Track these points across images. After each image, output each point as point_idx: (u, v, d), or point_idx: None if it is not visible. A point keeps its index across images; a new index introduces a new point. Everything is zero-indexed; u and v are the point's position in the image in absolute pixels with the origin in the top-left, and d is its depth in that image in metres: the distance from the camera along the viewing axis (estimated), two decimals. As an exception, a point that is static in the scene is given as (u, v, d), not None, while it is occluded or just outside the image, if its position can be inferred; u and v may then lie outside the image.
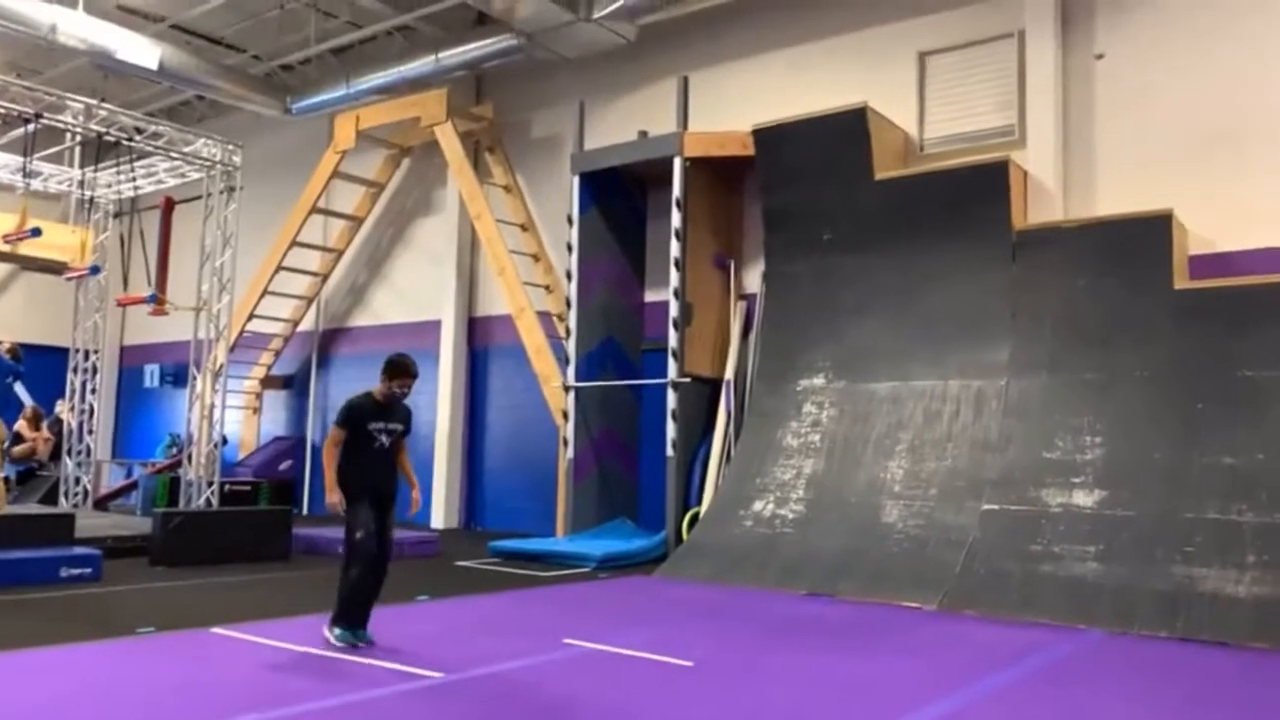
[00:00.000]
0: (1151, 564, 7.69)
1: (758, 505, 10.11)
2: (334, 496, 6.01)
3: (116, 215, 14.49)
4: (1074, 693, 5.41)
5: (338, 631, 5.99)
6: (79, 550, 8.77)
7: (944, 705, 4.99)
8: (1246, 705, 5.30)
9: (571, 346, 12.31)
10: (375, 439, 6.11)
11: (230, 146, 12.40)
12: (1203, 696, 5.48)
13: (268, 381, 17.54)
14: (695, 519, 10.80)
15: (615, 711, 4.80)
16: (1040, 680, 5.71)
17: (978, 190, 9.99)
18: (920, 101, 11.43)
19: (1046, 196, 10.21)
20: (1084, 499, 8.44)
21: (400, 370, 6.18)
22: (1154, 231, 9.14)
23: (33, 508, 12.04)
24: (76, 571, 8.39)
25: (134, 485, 15.28)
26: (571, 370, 12.27)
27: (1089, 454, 8.67)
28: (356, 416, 6.10)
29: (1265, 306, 8.45)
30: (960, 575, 8.33)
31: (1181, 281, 9.07)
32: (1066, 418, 8.96)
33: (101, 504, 14.62)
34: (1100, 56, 10.35)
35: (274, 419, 17.75)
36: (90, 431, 14.08)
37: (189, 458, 12.21)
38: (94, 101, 11.49)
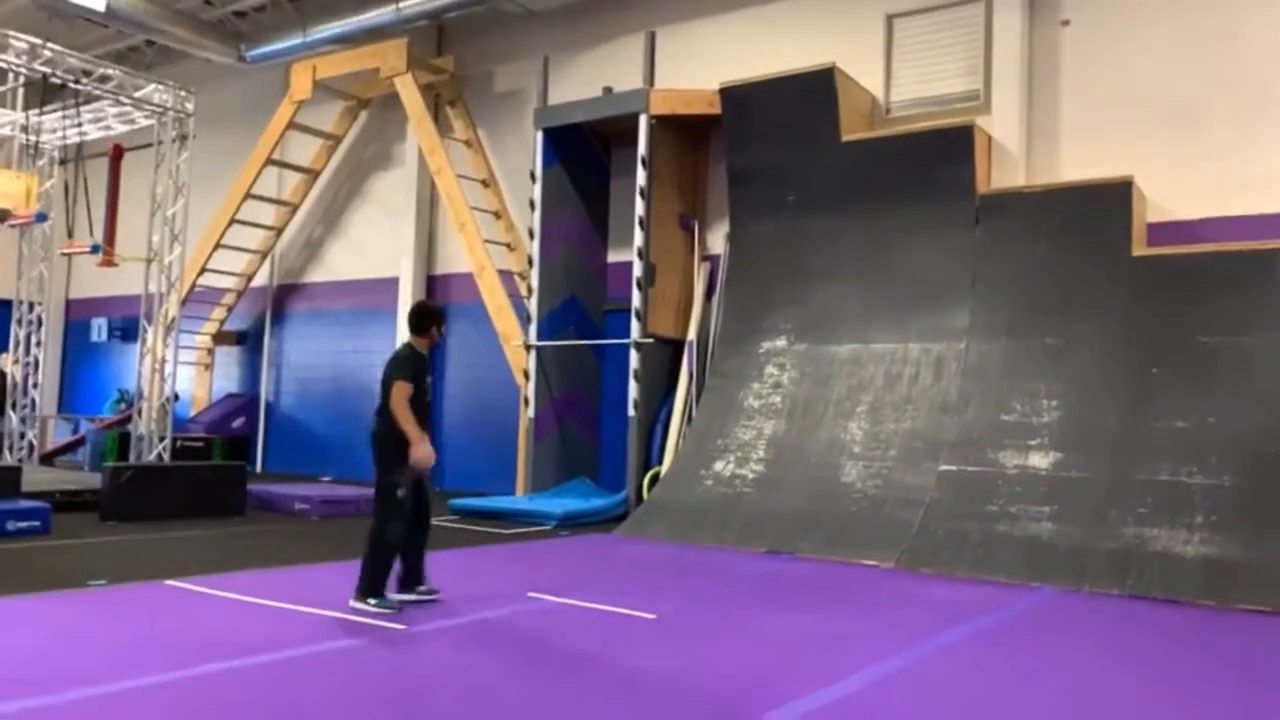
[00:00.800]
0: (1104, 524, 7.85)
1: (719, 465, 10.15)
2: (428, 447, 5.75)
3: (62, 162, 14.03)
4: (1027, 648, 5.52)
5: (373, 602, 5.63)
6: (26, 504, 8.56)
7: (901, 660, 5.06)
8: (1195, 659, 5.44)
9: (533, 305, 12.21)
10: (428, 391, 5.94)
11: (183, 93, 12.03)
12: (1153, 651, 5.61)
13: (220, 337, 17.19)
14: (656, 478, 10.82)
15: (581, 661, 4.80)
16: (995, 636, 5.82)
17: (942, 154, 10.01)
18: (887, 64, 11.40)
19: (1010, 161, 10.27)
20: (1039, 461, 8.58)
21: (440, 315, 6.12)
22: (1114, 198, 9.24)
23: (-24, 461, 11.73)
24: (24, 525, 8.20)
25: (81, 441, 14.96)
26: (533, 329, 12.17)
27: (1045, 417, 8.81)
28: (418, 368, 5.86)
29: (1219, 274, 8.60)
30: (918, 534, 8.45)
31: (1139, 248, 9.19)
32: (1024, 381, 9.08)
33: (48, 459, 14.31)
34: (1066, 23, 10.38)
35: (226, 375, 17.44)
36: (35, 385, 13.72)
37: (139, 413, 11.95)
38: (39, 41, 11.03)
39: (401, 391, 5.74)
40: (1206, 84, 9.58)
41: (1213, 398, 8.18)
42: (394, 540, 5.80)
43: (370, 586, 5.72)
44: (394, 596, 5.84)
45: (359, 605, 5.69)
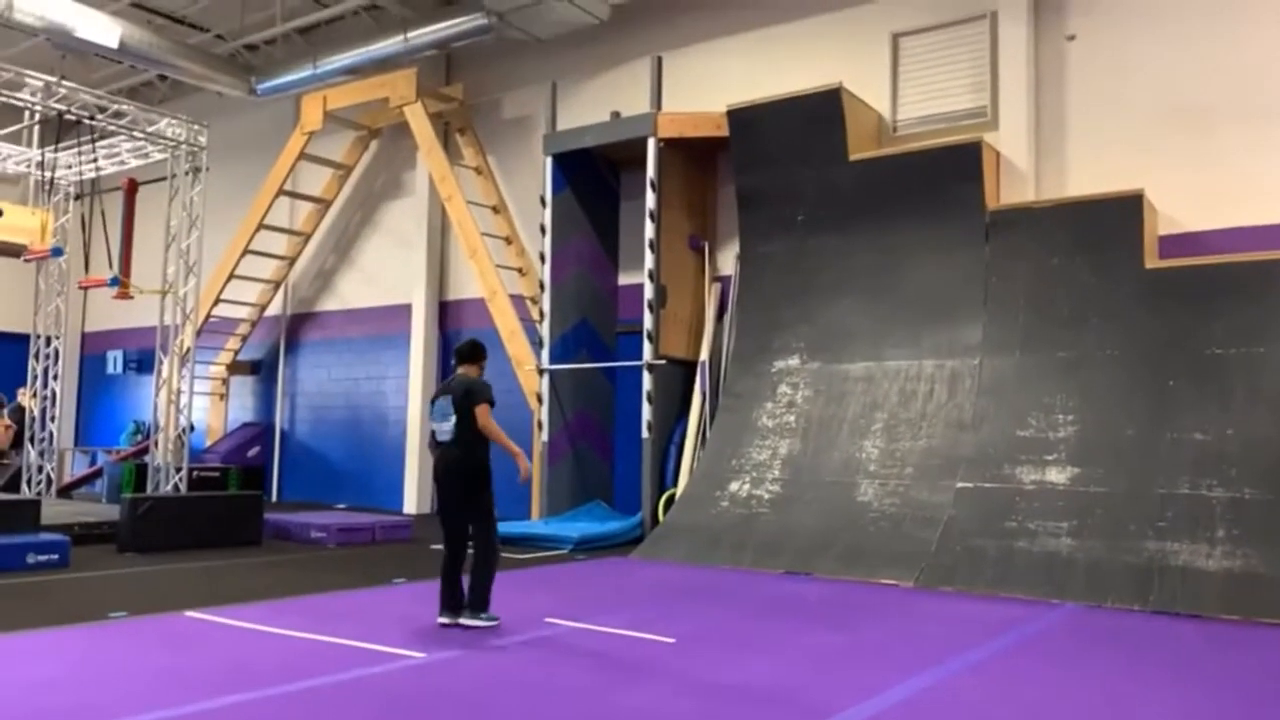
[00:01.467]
0: (1124, 539, 7.80)
1: (734, 486, 10.13)
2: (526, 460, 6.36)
3: (77, 197, 14.18)
4: (1051, 665, 5.47)
5: (484, 616, 6.07)
6: (45, 537, 8.59)
7: (924, 679, 5.03)
8: (1220, 675, 5.38)
9: (545, 329, 12.24)
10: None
11: (195, 126, 12.15)
12: (1177, 668, 5.55)
13: (234, 367, 17.29)
14: (671, 501, 10.80)
15: (601, 687, 4.78)
16: (1018, 654, 5.77)
17: (951, 171, 10.04)
18: (894, 82, 11.45)
19: (1019, 177, 10.28)
20: (1057, 476, 8.53)
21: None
22: (1125, 212, 9.24)
23: (-5, 495, 11.77)
24: (43, 558, 8.23)
25: (99, 473, 15.03)
26: (546, 353, 12.20)
27: (1062, 431, 8.77)
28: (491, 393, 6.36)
29: (1233, 285, 8.57)
30: (936, 552, 8.40)
31: (1152, 261, 9.17)
32: (1039, 396, 9.05)
33: (66, 492, 14.37)
34: (1072, 38, 10.42)
35: (241, 405, 17.52)
36: (53, 419, 13.81)
37: (155, 444, 12.00)
38: (54, 79, 11.19)
39: (487, 412, 6.23)
40: (1214, 93, 9.59)
41: (1230, 409, 8.13)
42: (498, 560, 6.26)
43: (487, 601, 6.10)
44: (439, 620, 6.15)
45: (473, 622, 6.01)
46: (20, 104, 11.12)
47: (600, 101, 13.21)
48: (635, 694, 4.67)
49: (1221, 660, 5.72)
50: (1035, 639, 6.16)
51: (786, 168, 10.93)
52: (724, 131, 11.31)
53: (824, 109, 10.59)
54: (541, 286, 12.40)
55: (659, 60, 11.87)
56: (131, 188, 12.01)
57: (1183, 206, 9.61)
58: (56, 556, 8.33)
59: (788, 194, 10.96)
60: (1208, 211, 9.50)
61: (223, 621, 6.12)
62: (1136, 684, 5.08)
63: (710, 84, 12.43)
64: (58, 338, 13.98)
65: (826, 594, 7.71)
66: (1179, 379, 8.48)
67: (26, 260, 12.66)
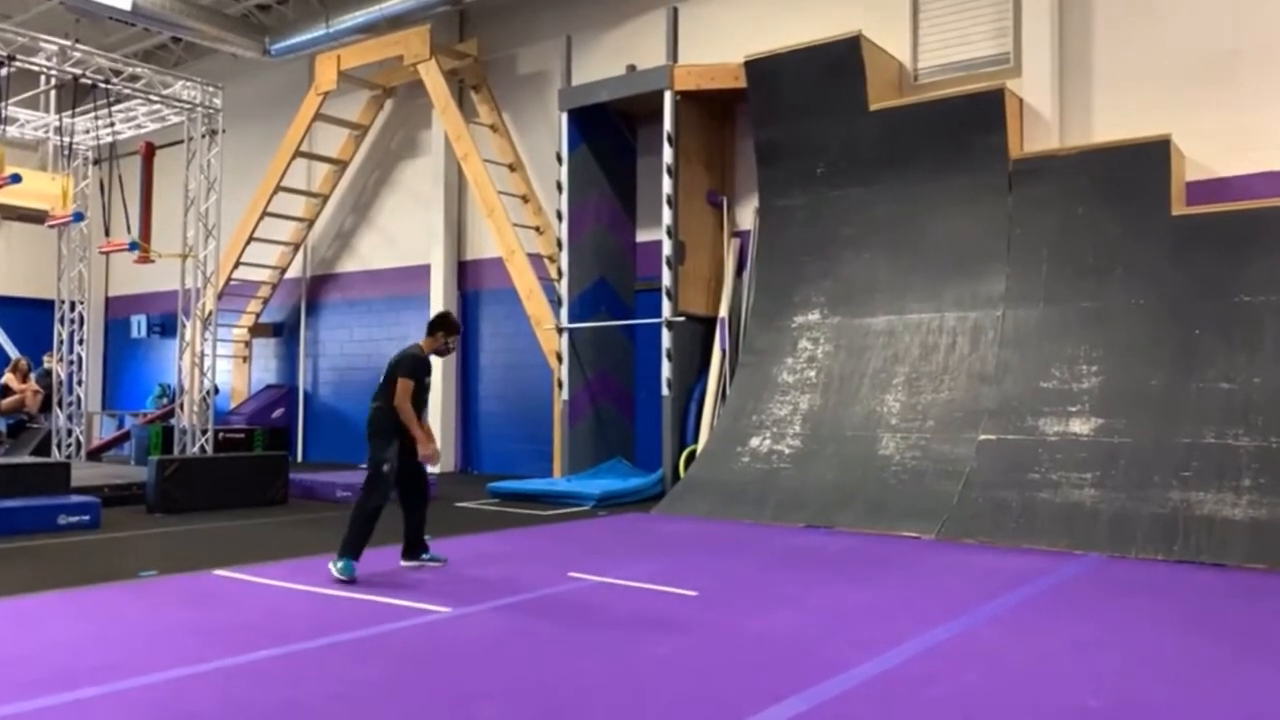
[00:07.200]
0: (1149, 489, 7.75)
1: (754, 441, 10.13)
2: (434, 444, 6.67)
3: (95, 162, 14.20)
4: (1074, 616, 5.46)
5: (340, 565, 6.21)
6: (76, 498, 8.75)
7: (948, 629, 5.04)
8: (1244, 625, 5.36)
9: (564, 288, 12.22)
10: (428, 389, 6.69)
11: (210, 88, 12.11)
12: (1201, 617, 5.53)
13: (256, 329, 17.41)
14: (692, 457, 10.83)
15: (625, 640, 4.82)
16: (1041, 604, 5.76)
17: (973, 120, 9.87)
18: (914, 30, 11.23)
19: (1043, 125, 10.09)
20: (1081, 427, 8.47)
21: (447, 325, 6.78)
22: (1151, 158, 9.07)
23: (27, 458, 11.96)
24: (74, 519, 8.39)
25: (126, 436, 15.23)
26: (564, 312, 12.18)
27: (1086, 382, 8.69)
28: (423, 369, 6.56)
29: (1262, 231, 8.42)
30: (958, 504, 8.39)
31: (1179, 208, 9.01)
32: (1063, 347, 8.97)
33: (95, 455, 14.57)
34: (1097, -20, 10.15)
35: (265, 367, 17.66)
36: (79, 383, 13.96)
37: (181, 406, 12.12)
38: (68, 43, 11.16)
39: (404, 389, 6.40)
40: (1243, 35, 9.34)
41: (1257, 357, 8.03)
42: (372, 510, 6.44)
43: (343, 550, 6.29)
44: (401, 563, 6.66)
45: (330, 567, 6.24)
46: (36, 69, 11.09)
47: (616, 55, 13.05)
48: (658, 646, 4.71)
49: (1247, 610, 5.69)
50: (1058, 589, 6.16)
51: (806, 119, 10.77)
52: (742, 83, 11.15)
53: (843, 58, 10.40)
54: (559, 244, 12.35)
55: (674, 11, 11.69)
56: (149, 151, 12.00)
57: (1211, 152, 9.41)
58: (88, 517, 8.48)
59: (807, 146, 10.82)
60: (1236, 156, 9.30)
61: (251, 579, 6.21)
62: (1159, 634, 5.07)
63: (727, 35, 12.24)
64: (81, 303, 14.09)
65: (848, 547, 7.73)
66: (1206, 328, 8.36)
67: (49, 226, 12.75)
